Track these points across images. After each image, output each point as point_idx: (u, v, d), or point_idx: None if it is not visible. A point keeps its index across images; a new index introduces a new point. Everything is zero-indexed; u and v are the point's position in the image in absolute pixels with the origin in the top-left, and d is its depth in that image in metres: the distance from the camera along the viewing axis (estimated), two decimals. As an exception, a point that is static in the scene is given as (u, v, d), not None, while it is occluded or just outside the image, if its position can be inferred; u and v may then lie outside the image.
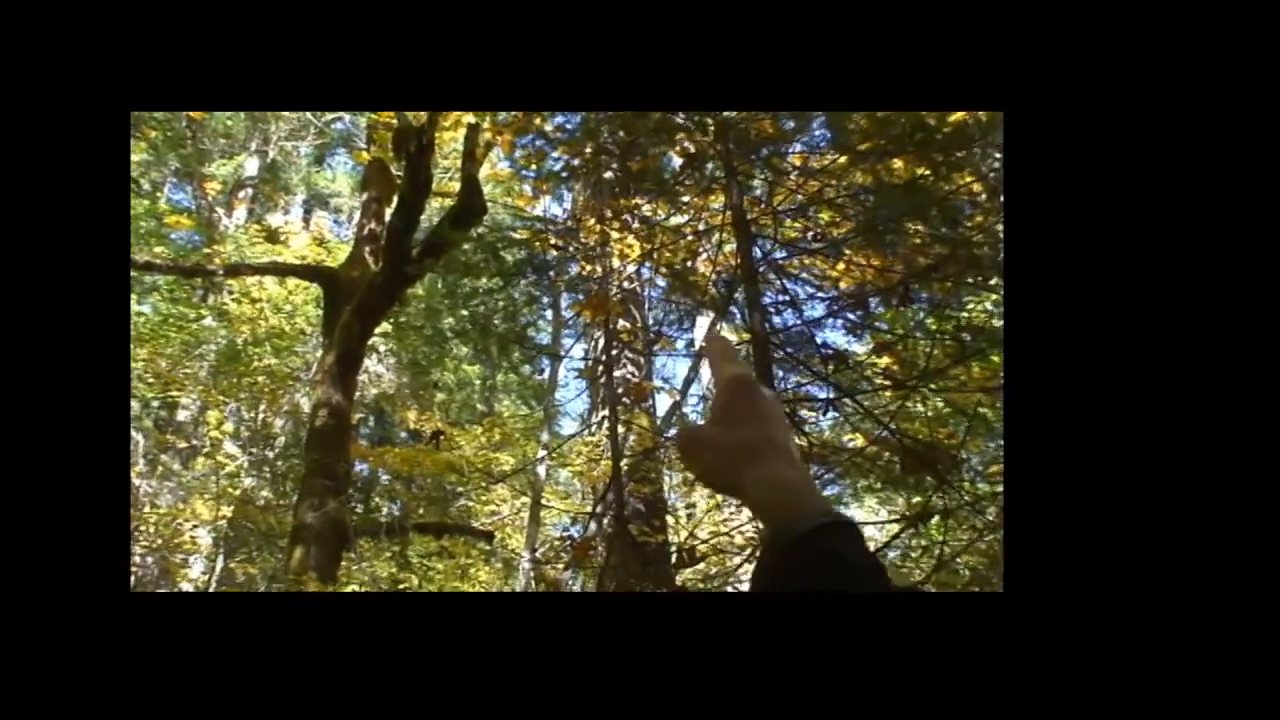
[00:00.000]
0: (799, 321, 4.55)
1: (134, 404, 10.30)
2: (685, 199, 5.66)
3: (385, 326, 10.44)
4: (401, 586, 10.22)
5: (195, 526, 9.77)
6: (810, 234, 4.92)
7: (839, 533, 0.95)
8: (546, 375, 12.19)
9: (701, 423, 1.13)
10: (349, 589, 8.23)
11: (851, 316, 4.62)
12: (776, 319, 4.62)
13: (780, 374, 4.25)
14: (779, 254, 4.76)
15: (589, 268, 6.78)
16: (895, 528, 5.11)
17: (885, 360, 4.60)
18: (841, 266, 4.93)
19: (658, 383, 9.90)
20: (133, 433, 10.04)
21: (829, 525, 0.94)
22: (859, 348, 5.11)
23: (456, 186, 8.59)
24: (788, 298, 4.65)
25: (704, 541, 6.12)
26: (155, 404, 11.34)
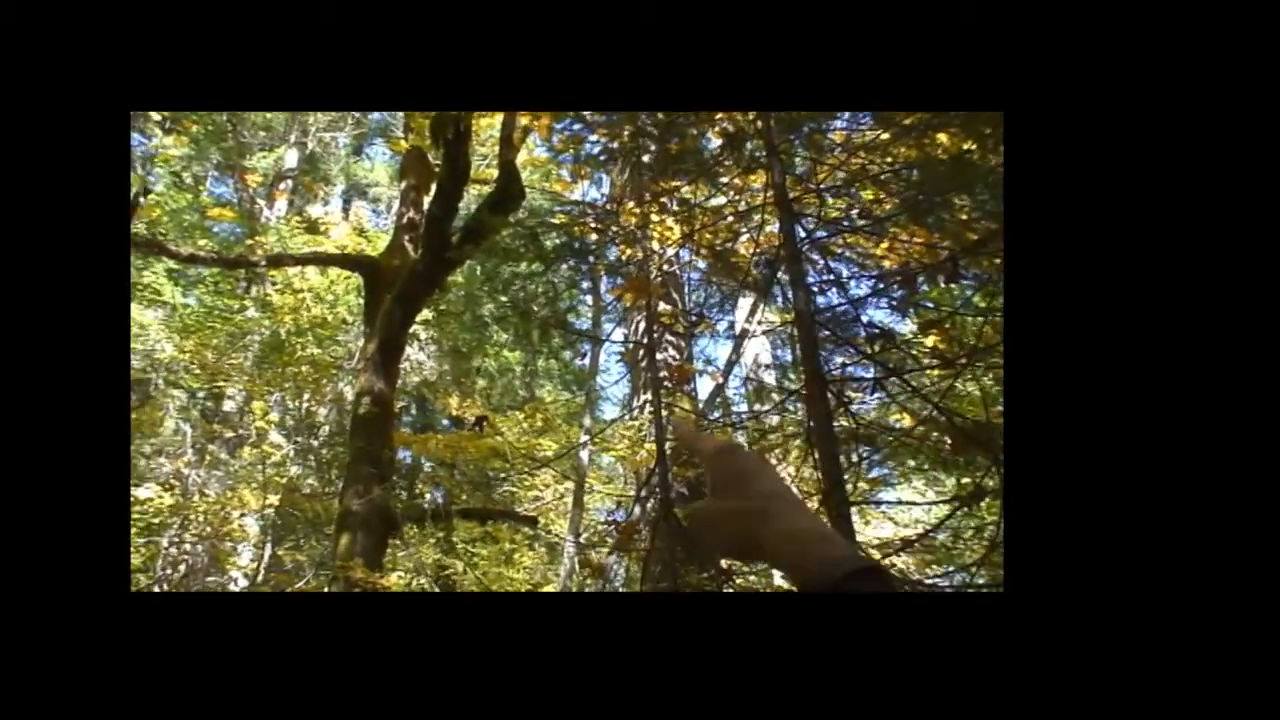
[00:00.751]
0: (844, 300, 4.49)
1: (181, 395, 10.44)
2: (725, 179, 5.61)
3: (426, 314, 10.48)
4: (446, 572, 10.29)
5: (243, 515, 9.87)
6: (854, 211, 4.85)
7: (869, 578, 0.94)
8: (587, 360, 12.19)
9: (703, 501, 1.10)
10: (394, 576, 8.29)
11: (897, 294, 4.55)
12: (820, 298, 4.57)
13: (825, 354, 4.20)
14: (822, 233, 4.70)
15: (629, 251, 6.75)
16: (945, 510, 5.04)
17: (932, 338, 4.53)
18: (886, 244, 4.86)
19: (699, 365, 9.86)
20: (181, 423, 10.17)
21: (858, 572, 0.93)
22: (905, 326, 5.04)
23: (494, 173, 8.59)
24: (832, 276, 4.59)
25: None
26: (202, 395, 11.47)
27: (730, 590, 6.54)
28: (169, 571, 9.64)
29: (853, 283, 4.78)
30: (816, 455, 3.91)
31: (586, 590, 9.44)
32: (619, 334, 10.03)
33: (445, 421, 13.73)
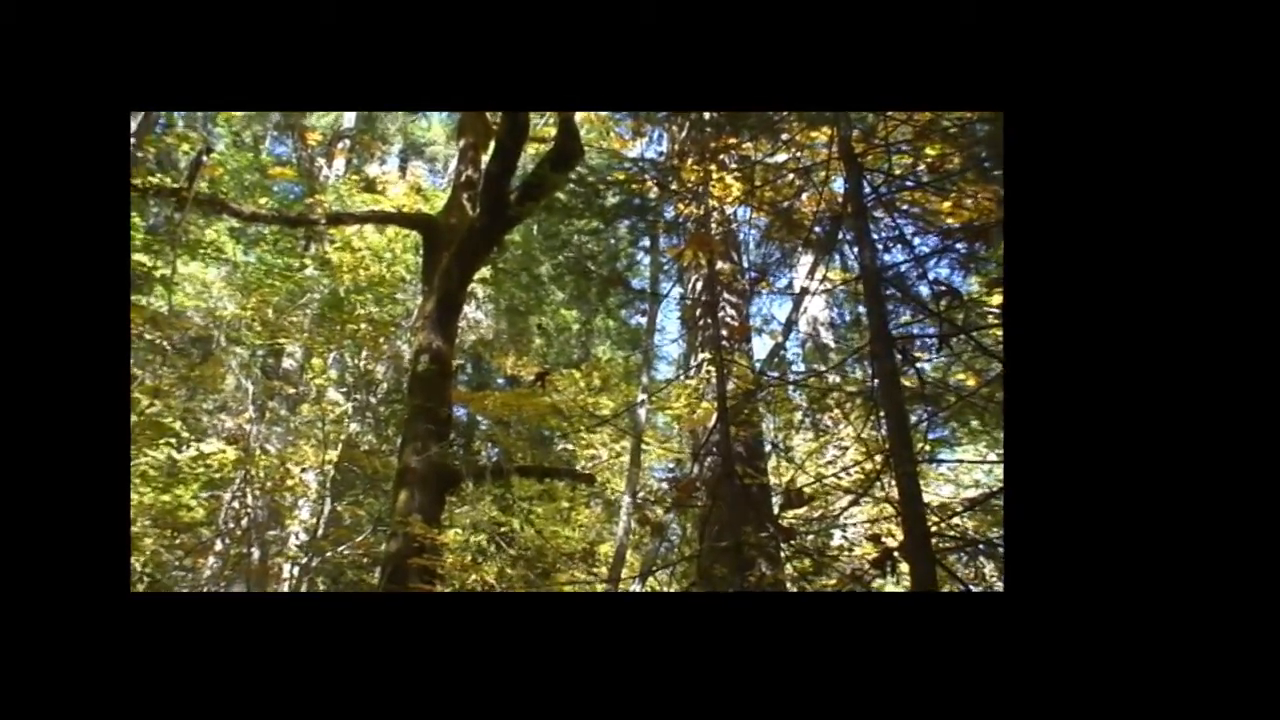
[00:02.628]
0: (909, 257, 4.41)
1: (242, 351, 10.58)
2: (786, 136, 5.52)
3: (483, 273, 10.51)
4: (503, 529, 10.38)
5: (304, 470, 10.03)
6: (920, 168, 4.75)
7: None
8: (644, 319, 12.16)
9: None
10: (452, 532, 8.38)
11: (963, 251, 4.45)
12: (885, 256, 4.49)
13: (890, 311, 4.13)
14: (886, 190, 4.61)
15: (688, 209, 6.69)
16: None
17: (998, 297, 4.43)
18: (951, 202, 4.76)
19: (758, 324, 9.80)
20: (242, 380, 10.32)
21: None
22: (970, 285, 4.94)
23: (553, 131, 8.55)
24: (897, 233, 4.51)
25: (811, 483, 6.05)
26: (262, 352, 11.63)
27: (787, 553, 6.52)
28: (231, 525, 9.83)
29: (917, 239, 4.69)
30: (881, 415, 3.85)
31: (644, 547, 9.48)
32: (677, 292, 9.99)
33: (501, 380, 13.81)
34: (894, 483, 3.79)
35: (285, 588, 9.98)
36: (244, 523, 9.65)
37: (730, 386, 7.19)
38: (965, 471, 10.55)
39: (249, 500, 9.42)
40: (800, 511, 6.03)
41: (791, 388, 8.19)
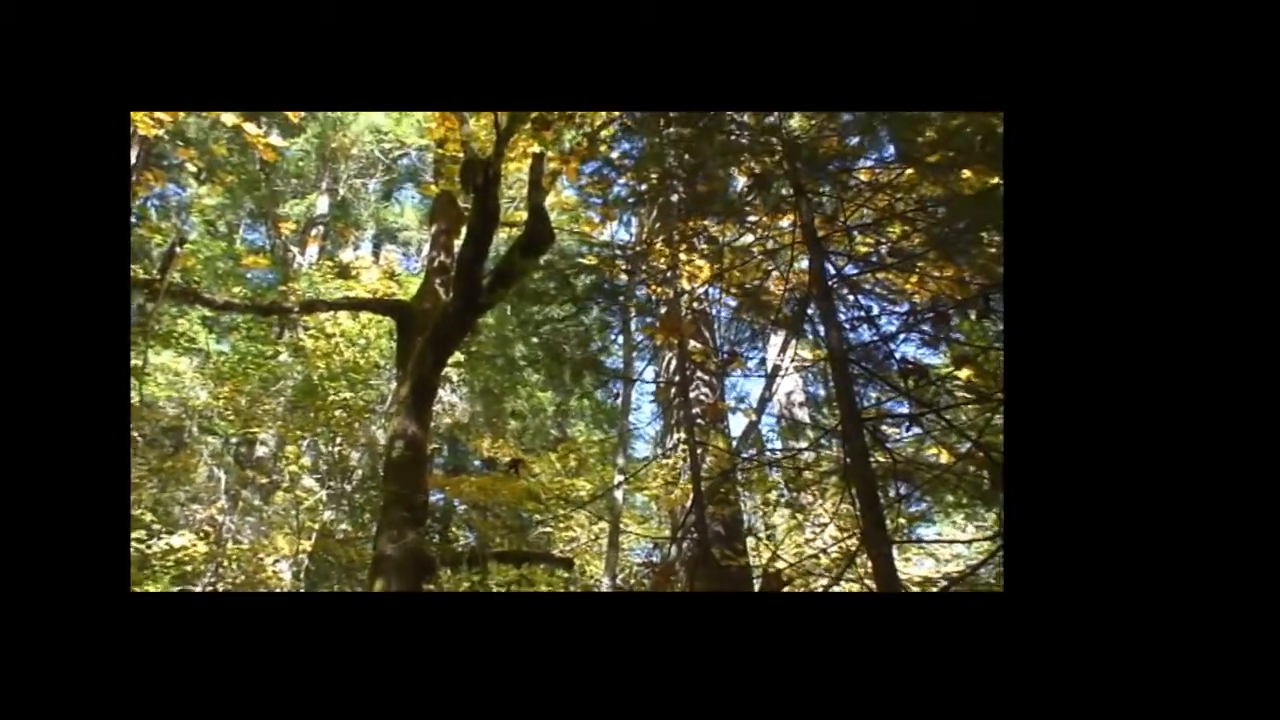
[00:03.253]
0: (876, 337, 4.45)
1: (215, 441, 10.49)
2: (753, 219, 5.60)
3: (458, 356, 10.51)
4: (481, 616, 10.23)
5: (277, 560, 9.88)
6: (882, 247, 4.83)
7: None
8: (619, 400, 12.17)
9: None
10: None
11: (928, 330, 4.51)
12: (852, 335, 4.53)
13: (859, 389, 4.16)
14: (851, 269, 4.68)
15: (659, 290, 6.75)
16: (989, 545, 4.96)
17: (966, 373, 4.48)
18: (915, 279, 4.83)
19: (731, 403, 9.82)
20: (215, 469, 10.22)
21: None
22: (937, 361, 4.99)
23: (524, 216, 8.63)
24: (863, 313, 4.56)
25: (789, 565, 6.03)
26: (235, 441, 11.54)
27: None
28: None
29: (883, 318, 4.75)
30: (854, 492, 3.86)
31: (613, 592, 9.34)
32: (650, 373, 10.02)
33: (477, 463, 13.72)
34: (869, 562, 3.78)
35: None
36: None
37: (707, 465, 7.19)
38: (944, 547, 10.52)
39: (220, 588, 9.26)
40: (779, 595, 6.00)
41: (768, 466, 8.19)
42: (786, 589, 5.66)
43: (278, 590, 10.11)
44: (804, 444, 8.29)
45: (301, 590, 9.67)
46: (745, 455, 7.78)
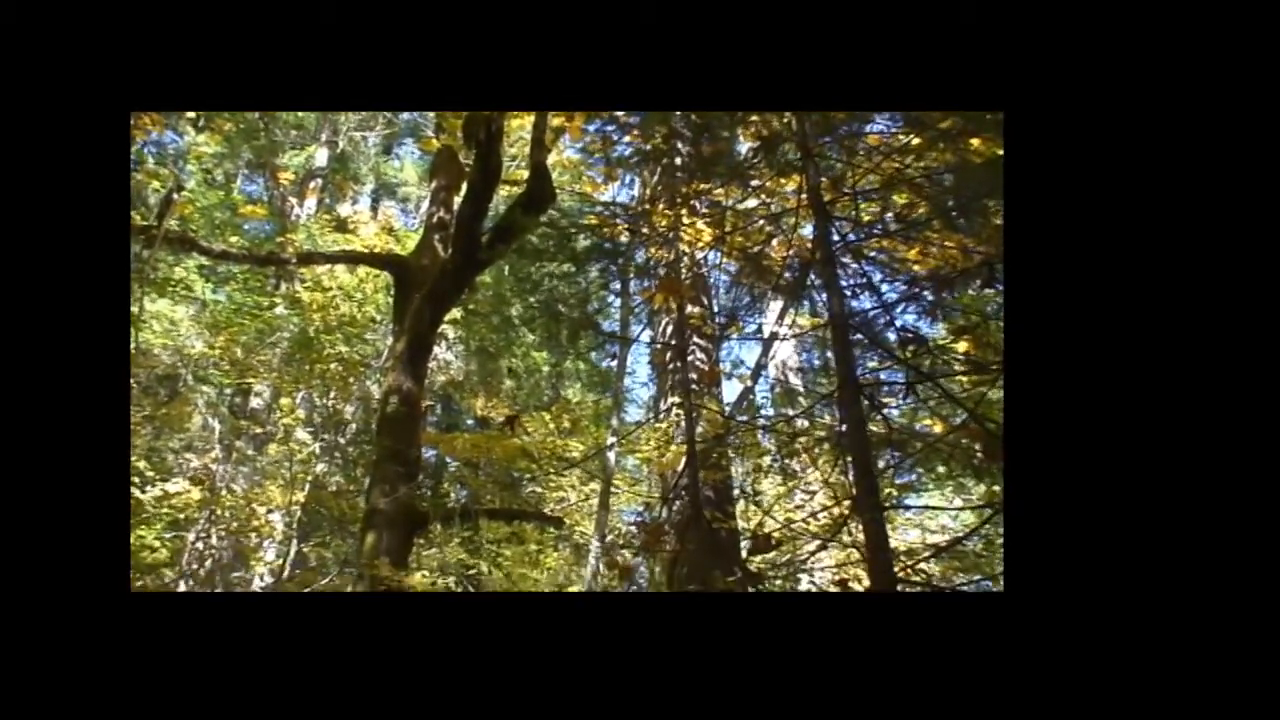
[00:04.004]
0: (876, 305, 4.46)
1: (210, 390, 10.48)
2: (757, 182, 5.59)
3: (454, 314, 10.50)
4: (471, 572, 10.29)
5: (269, 511, 9.91)
6: (888, 215, 4.82)
7: None
8: (615, 362, 12.18)
9: None
10: (419, 575, 8.30)
11: (930, 299, 4.51)
12: (853, 302, 4.54)
13: (859, 356, 4.17)
14: (855, 236, 4.67)
15: (659, 253, 6.74)
16: (973, 517, 5.00)
17: (964, 345, 4.49)
18: (918, 249, 4.83)
19: (727, 368, 9.84)
20: (209, 419, 10.23)
21: None
22: (936, 331, 5.00)
23: (525, 174, 8.59)
24: (864, 280, 4.57)
25: (779, 528, 6.07)
26: (230, 391, 11.53)
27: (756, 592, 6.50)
28: (195, 567, 9.69)
29: (885, 286, 4.75)
30: (849, 459, 3.88)
31: (612, 591, 9.42)
32: (647, 336, 10.02)
33: (470, 422, 13.75)
34: (860, 528, 3.81)
35: (249, 630, 9.80)
36: (208, 564, 9.51)
37: (700, 430, 7.21)
38: (931, 517, 10.59)
39: (213, 541, 9.30)
40: (768, 556, 6.04)
41: (760, 432, 8.22)
42: (775, 553, 5.70)
43: (270, 540, 10.17)
44: (797, 411, 8.31)
45: (294, 542, 9.72)
46: (739, 420, 7.81)
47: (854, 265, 4.64)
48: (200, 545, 9.54)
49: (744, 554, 6.69)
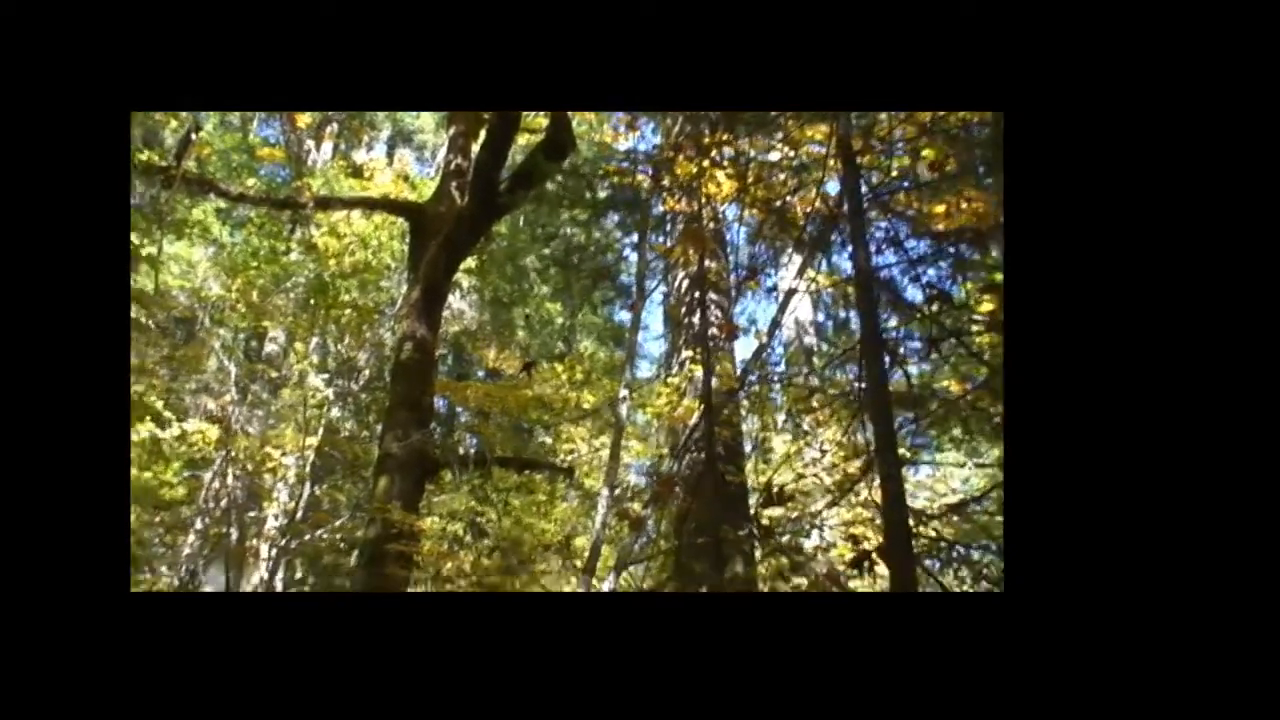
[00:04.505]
0: (902, 260, 4.43)
1: (225, 333, 10.50)
2: (781, 134, 5.53)
3: (469, 263, 10.48)
4: (481, 519, 10.35)
5: (284, 454, 9.97)
6: (917, 169, 4.77)
7: None
8: (628, 316, 12.15)
9: None
10: (430, 520, 8.35)
11: (955, 255, 4.48)
12: (878, 258, 4.51)
13: (883, 314, 4.15)
14: (881, 190, 4.63)
15: (677, 205, 6.70)
16: (984, 481, 5.00)
17: (988, 304, 4.46)
18: (946, 206, 4.78)
19: (742, 323, 9.81)
20: (225, 361, 10.25)
21: None
22: (962, 289, 4.97)
23: (544, 121, 8.53)
24: (891, 235, 4.53)
25: (791, 483, 6.08)
26: (245, 335, 11.55)
27: (761, 549, 6.53)
28: (210, 505, 9.78)
29: (911, 242, 4.71)
30: (867, 416, 3.88)
31: (621, 542, 9.47)
32: (661, 290, 9.99)
33: (481, 374, 13.75)
34: (877, 485, 3.81)
35: (263, 569, 9.93)
36: (223, 503, 9.59)
37: (715, 384, 7.20)
38: (940, 480, 10.61)
39: (229, 480, 9.37)
40: (778, 512, 6.06)
41: (774, 389, 8.21)
42: (785, 507, 5.72)
43: (284, 483, 10.23)
44: (811, 369, 8.30)
45: (307, 484, 9.78)
46: (753, 376, 7.79)
47: (880, 220, 4.60)
48: (216, 484, 9.61)
49: (754, 509, 6.69)
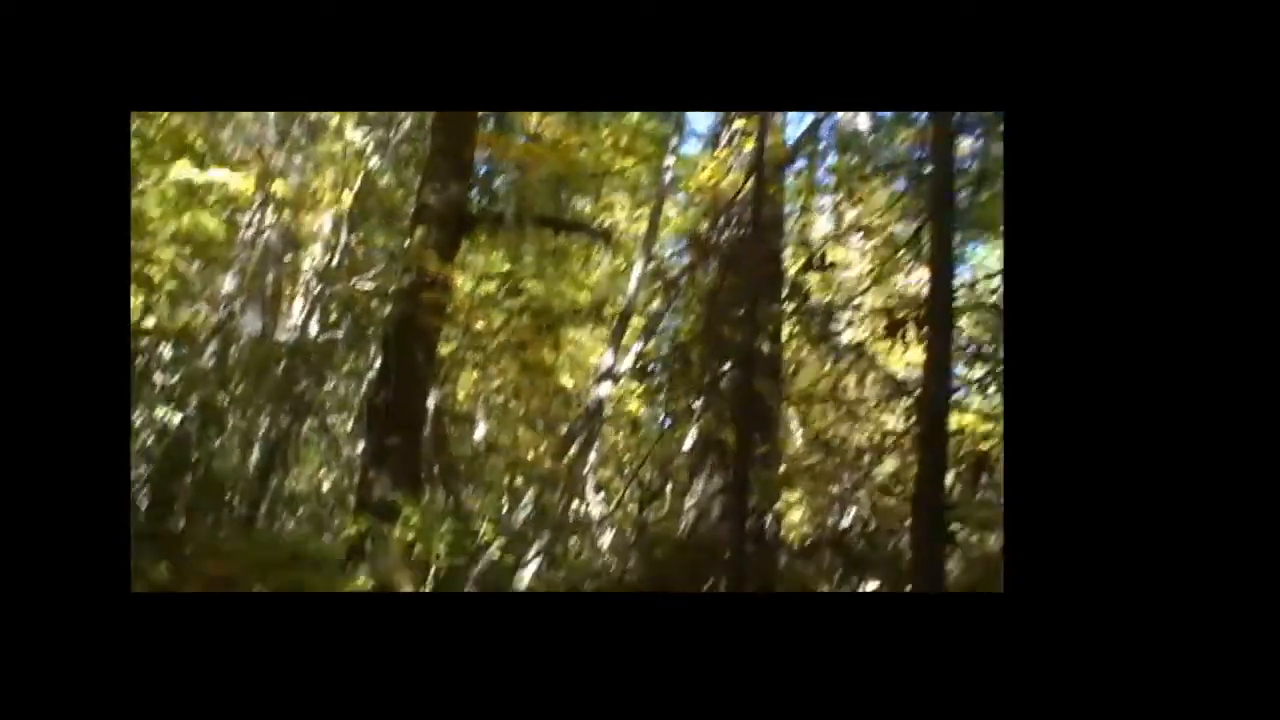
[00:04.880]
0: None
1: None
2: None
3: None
4: (514, 279, 10.36)
5: (320, 200, 9.96)
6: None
7: None
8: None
9: None
10: (459, 278, 8.36)
11: None
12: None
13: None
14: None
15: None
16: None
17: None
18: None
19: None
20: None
21: None
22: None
23: None
24: None
25: (826, 266, 6.03)
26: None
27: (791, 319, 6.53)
28: (248, 251, 9.84)
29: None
30: (919, 187, 3.77)
31: (652, 310, 9.54)
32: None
33: (522, 139, 13.53)
34: (928, 256, 3.75)
35: (297, 315, 10.10)
36: (259, 248, 9.66)
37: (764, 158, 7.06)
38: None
39: (267, 221, 9.40)
40: (816, 277, 6.04)
41: (822, 170, 8.06)
42: (823, 275, 5.69)
43: (320, 230, 10.27)
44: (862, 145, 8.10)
45: (344, 235, 9.81)
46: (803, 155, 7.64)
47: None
48: (253, 227, 9.66)
49: (787, 287, 6.62)
